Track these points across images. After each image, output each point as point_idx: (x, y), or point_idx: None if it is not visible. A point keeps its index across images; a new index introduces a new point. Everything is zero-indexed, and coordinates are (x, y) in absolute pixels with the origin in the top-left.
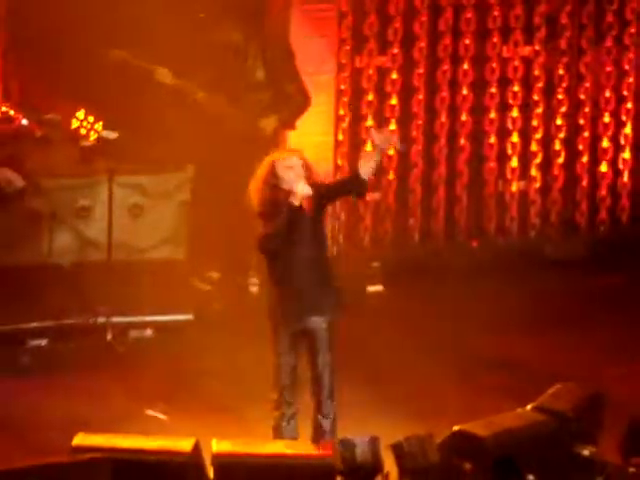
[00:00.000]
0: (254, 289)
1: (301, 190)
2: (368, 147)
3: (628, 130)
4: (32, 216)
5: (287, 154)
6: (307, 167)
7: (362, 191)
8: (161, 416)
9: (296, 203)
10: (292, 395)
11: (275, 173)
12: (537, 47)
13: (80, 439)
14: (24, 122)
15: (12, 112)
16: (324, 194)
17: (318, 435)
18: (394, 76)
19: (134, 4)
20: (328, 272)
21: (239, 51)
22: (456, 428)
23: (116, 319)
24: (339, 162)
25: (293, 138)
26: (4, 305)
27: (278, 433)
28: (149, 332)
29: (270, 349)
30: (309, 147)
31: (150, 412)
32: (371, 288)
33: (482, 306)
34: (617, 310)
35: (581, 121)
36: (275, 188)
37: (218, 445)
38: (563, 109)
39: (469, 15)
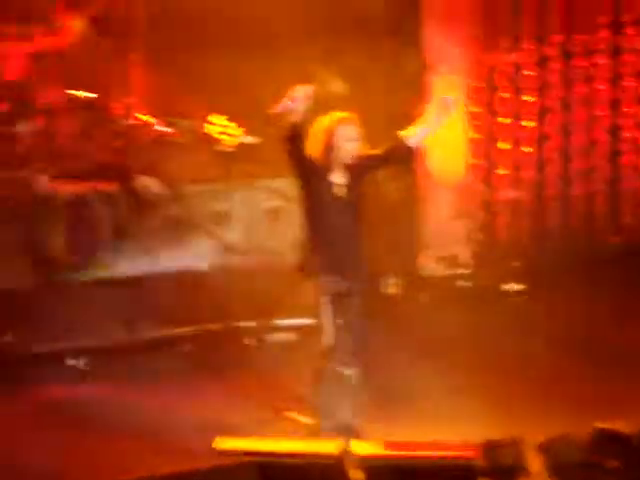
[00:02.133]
0: (392, 290)
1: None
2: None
3: None
4: (170, 222)
5: (346, 123)
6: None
7: (407, 160)
8: (303, 419)
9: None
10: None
11: (331, 144)
12: None
13: (222, 442)
14: (161, 128)
15: (150, 119)
16: (367, 165)
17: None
18: (528, 72)
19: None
20: (360, 242)
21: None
22: (599, 425)
23: (255, 323)
24: (471, 160)
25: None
26: (149, 312)
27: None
28: (289, 336)
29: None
30: (441, 145)
31: (291, 414)
32: (512, 286)
33: (625, 302)
34: None
35: None
36: (328, 147)
37: (362, 447)
38: None
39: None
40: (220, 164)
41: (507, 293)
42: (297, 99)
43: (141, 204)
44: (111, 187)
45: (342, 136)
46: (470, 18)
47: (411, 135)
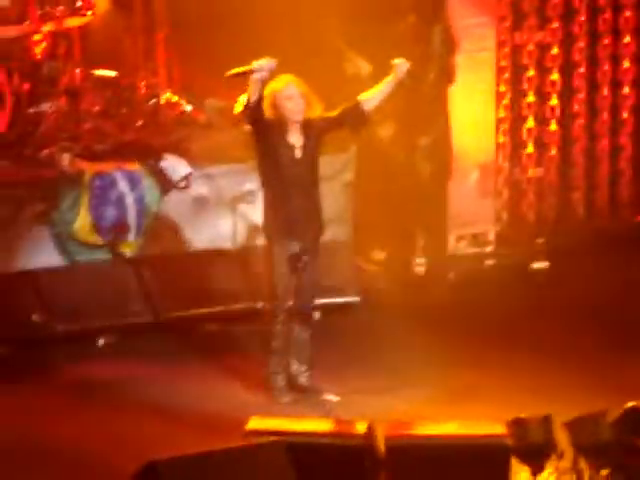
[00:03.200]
0: (420, 269)
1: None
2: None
3: None
4: (198, 202)
5: (285, 84)
6: (306, 97)
7: (361, 125)
8: (333, 398)
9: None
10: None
11: (275, 104)
12: None
13: (254, 423)
14: (187, 108)
15: (175, 98)
16: (322, 126)
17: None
18: (554, 51)
19: None
20: (319, 201)
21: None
22: (630, 404)
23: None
24: (500, 139)
25: (454, 116)
26: (175, 291)
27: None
28: (316, 315)
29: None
30: (470, 124)
31: (322, 395)
32: (536, 265)
33: None
34: None
35: None
36: (274, 108)
37: (387, 427)
38: None
39: None
40: (246, 144)
41: (532, 271)
42: (259, 68)
43: (166, 183)
44: (135, 166)
45: (281, 95)
46: None
47: (367, 99)
